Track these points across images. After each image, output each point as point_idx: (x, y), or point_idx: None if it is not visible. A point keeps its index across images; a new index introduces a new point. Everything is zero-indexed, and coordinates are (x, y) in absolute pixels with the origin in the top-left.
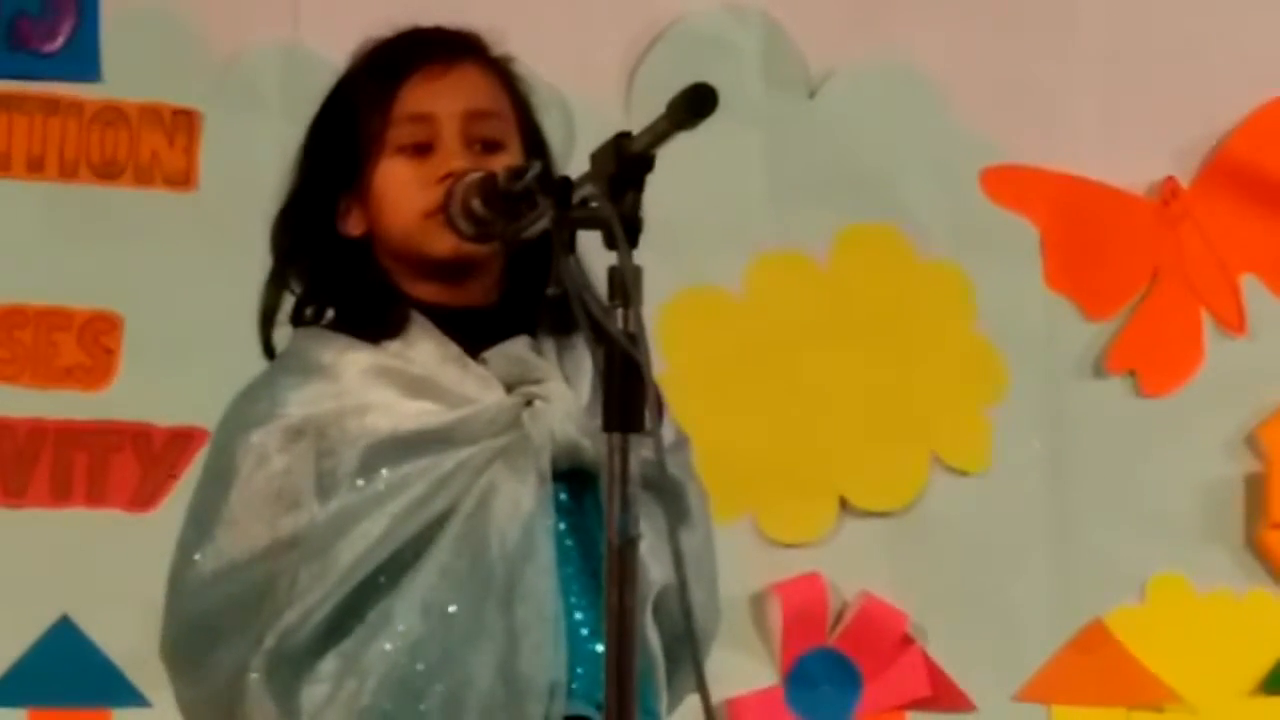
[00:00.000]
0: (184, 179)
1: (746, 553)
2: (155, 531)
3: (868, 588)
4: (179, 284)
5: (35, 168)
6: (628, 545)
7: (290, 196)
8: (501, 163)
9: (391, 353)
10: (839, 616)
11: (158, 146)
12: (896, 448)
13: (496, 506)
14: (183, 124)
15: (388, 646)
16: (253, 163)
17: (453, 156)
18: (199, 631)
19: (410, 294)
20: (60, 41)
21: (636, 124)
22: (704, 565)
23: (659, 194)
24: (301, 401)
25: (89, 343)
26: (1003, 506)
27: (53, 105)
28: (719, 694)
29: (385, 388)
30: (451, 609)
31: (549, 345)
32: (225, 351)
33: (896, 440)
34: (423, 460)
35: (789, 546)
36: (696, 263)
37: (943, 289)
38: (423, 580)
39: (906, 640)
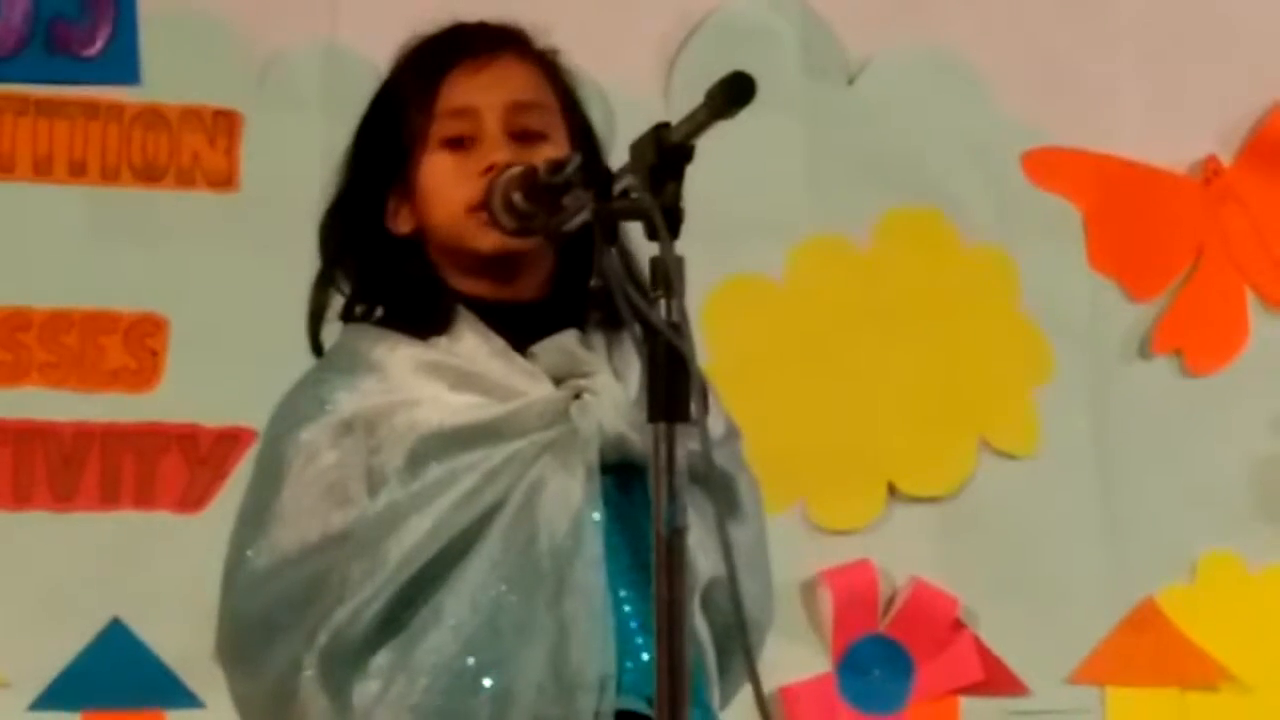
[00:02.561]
0: (226, 180)
1: (796, 541)
2: (204, 532)
3: (918, 573)
4: (223, 285)
5: (77, 172)
6: (675, 536)
7: (338, 196)
8: (545, 154)
9: (440, 348)
10: (890, 603)
11: (199, 148)
12: (944, 433)
13: (545, 500)
14: (223, 125)
15: (438, 641)
16: (294, 162)
17: (495, 149)
18: (253, 628)
19: (459, 289)
20: (99, 45)
21: (676, 114)
22: (756, 557)
23: (699, 184)
24: (350, 397)
25: (134, 345)
26: (1051, 489)
27: (93, 109)
28: (771, 683)
29: (434, 382)
30: (501, 603)
31: (598, 339)
32: (271, 351)
33: (944, 425)
34: (471, 454)
35: (838, 534)
36: (738, 251)
37: (987, 272)
38: (472, 575)
39: (958, 625)
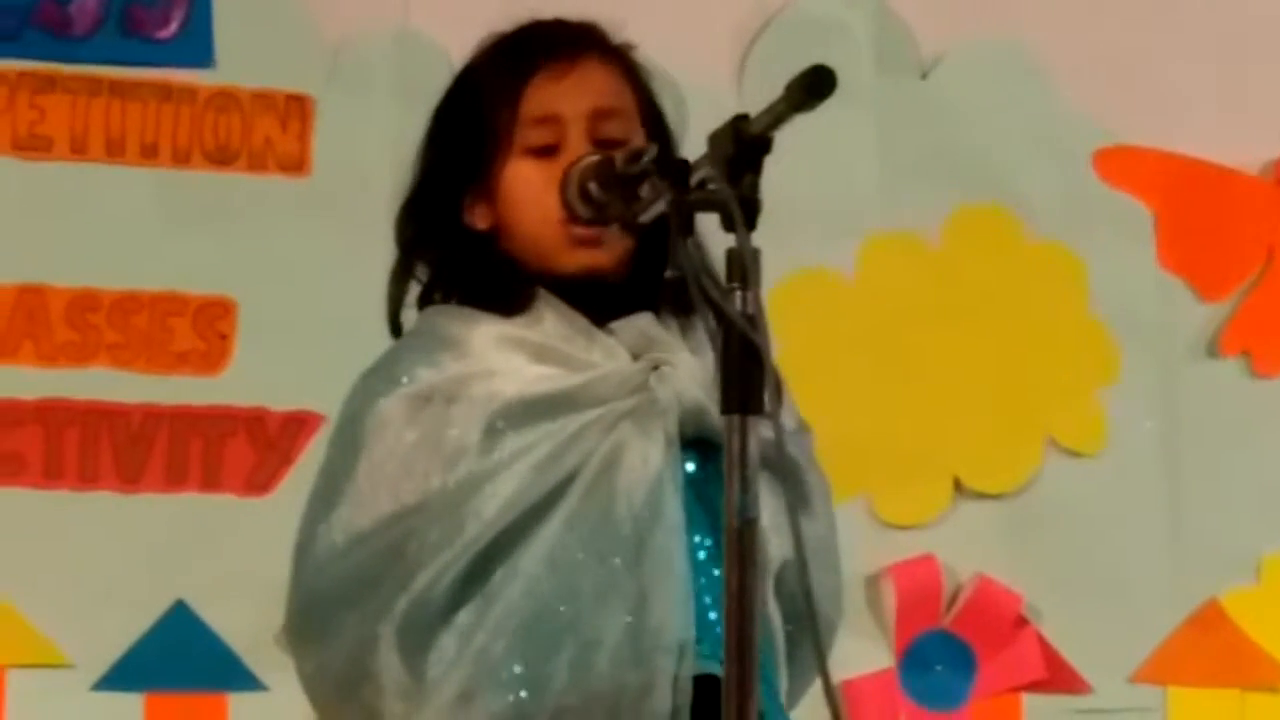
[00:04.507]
0: (297, 164)
1: (861, 535)
2: (270, 516)
3: (982, 570)
4: (293, 269)
5: (149, 154)
6: (746, 526)
7: (414, 189)
8: None
9: (519, 324)
10: (953, 598)
11: (271, 132)
12: (1010, 429)
13: (624, 466)
14: (295, 109)
15: (516, 606)
16: (365, 147)
17: (578, 156)
18: (327, 602)
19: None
20: (173, 28)
21: (748, 106)
22: (827, 553)
23: (770, 177)
24: (428, 372)
25: (203, 328)
26: (1117, 488)
27: (166, 92)
28: (833, 677)
29: (513, 355)
30: (579, 567)
31: (672, 323)
32: (339, 335)
33: (1010, 422)
34: (550, 424)
35: (903, 528)
36: (808, 245)
37: (1055, 270)
38: (551, 540)
39: (1021, 622)
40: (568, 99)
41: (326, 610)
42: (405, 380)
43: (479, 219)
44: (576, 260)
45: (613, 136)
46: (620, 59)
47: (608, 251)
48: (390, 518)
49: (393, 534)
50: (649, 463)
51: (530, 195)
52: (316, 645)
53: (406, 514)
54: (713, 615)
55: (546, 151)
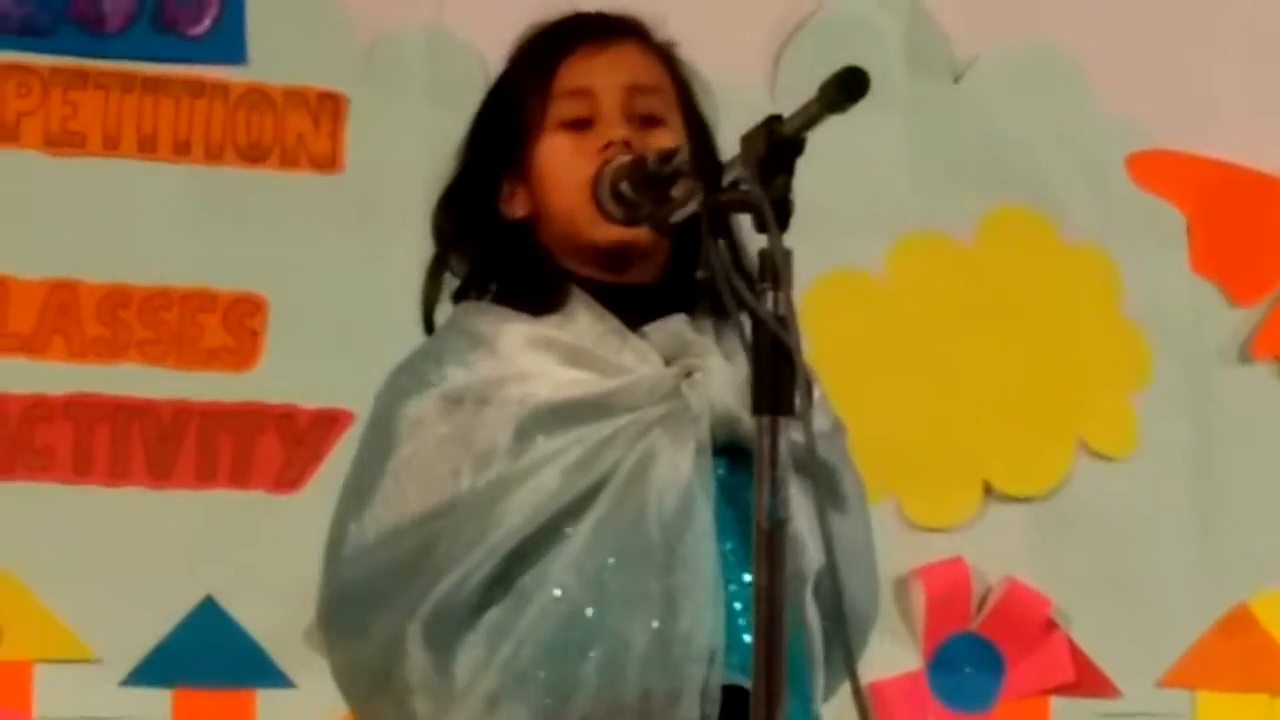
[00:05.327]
0: (329, 162)
1: (890, 537)
2: (300, 513)
3: (1012, 573)
4: (324, 266)
5: (181, 150)
6: (776, 529)
7: (452, 180)
8: (661, 139)
9: (551, 324)
10: (983, 601)
11: (303, 129)
12: (1041, 432)
13: (655, 472)
14: (328, 107)
15: (545, 611)
16: (398, 146)
17: (613, 127)
18: (358, 598)
19: (573, 272)
20: (206, 24)
21: (781, 108)
22: (862, 553)
23: (802, 178)
24: (460, 371)
25: (234, 325)
26: (1147, 492)
27: (199, 88)
28: (862, 678)
29: (545, 357)
30: (608, 573)
31: (707, 325)
32: (370, 333)
33: (1041, 425)
34: (581, 429)
35: (933, 531)
36: (839, 246)
37: (1088, 273)
38: (580, 544)
39: (1050, 625)
40: (601, 73)
41: (357, 606)
42: (436, 380)
43: (517, 206)
44: (609, 233)
45: (649, 112)
46: (659, 48)
47: (642, 226)
48: (420, 517)
49: (422, 533)
50: (680, 470)
51: (559, 165)
52: (348, 640)
53: (436, 514)
54: (741, 622)
55: (580, 125)
